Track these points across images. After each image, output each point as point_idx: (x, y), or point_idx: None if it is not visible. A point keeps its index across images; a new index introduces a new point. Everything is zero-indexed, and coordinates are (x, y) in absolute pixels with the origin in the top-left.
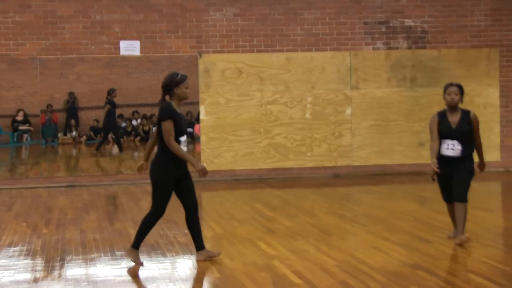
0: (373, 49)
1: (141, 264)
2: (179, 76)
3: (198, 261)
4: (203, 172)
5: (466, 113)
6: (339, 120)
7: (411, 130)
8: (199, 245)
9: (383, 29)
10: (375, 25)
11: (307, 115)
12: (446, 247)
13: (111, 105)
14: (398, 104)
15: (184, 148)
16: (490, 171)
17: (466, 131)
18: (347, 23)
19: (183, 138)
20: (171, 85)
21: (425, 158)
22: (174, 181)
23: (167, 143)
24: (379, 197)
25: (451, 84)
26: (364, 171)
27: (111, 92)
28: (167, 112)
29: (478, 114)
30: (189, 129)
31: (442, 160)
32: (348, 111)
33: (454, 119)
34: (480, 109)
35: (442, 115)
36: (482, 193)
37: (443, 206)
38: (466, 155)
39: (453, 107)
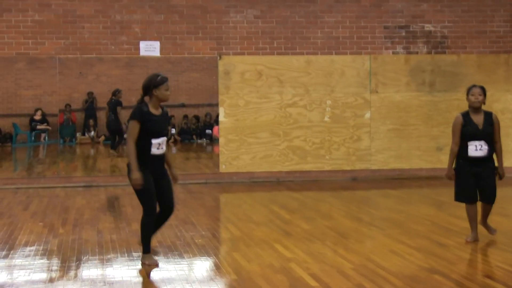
0: (393, 53)
1: (157, 265)
2: (159, 78)
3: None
4: (135, 184)
5: (488, 114)
6: (358, 123)
7: (430, 134)
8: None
9: (403, 34)
10: (395, 29)
11: (326, 118)
12: (462, 252)
13: (120, 106)
14: (417, 109)
15: (161, 150)
16: (507, 176)
17: (491, 131)
18: (367, 27)
19: (157, 140)
20: (150, 86)
21: (443, 162)
22: (151, 179)
23: (126, 142)
24: (397, 201)
25: (474, 86)
26: (382, 175)
27: (116, 93)
28: (134, 113)
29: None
30: (208, 131)
31: (470, 161)
32: (367, 115)
33: (478, 120)
34: (498, 114)
35: (466, 117)
36: (499, 198)
37: (460, 210)
38: (491, 155)
39: (476, 108)
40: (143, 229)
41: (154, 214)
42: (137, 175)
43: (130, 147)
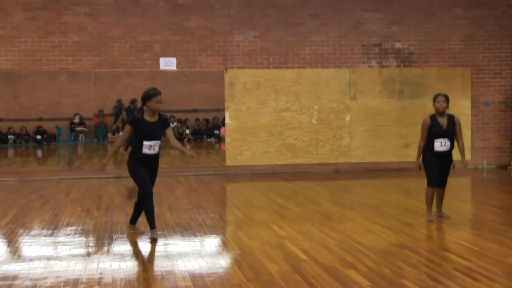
0: (369, 67)
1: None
2: (151, 92)
3: (128, 233)
4: (100, 167)
5: (451, 117)
6: (340, 125)
7: (399, 134)
8: (134, 221)
9: (377, 51)
10: (370, 47)
11: (314, 121)
12: (426, 230)
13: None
14: (388, 113)
15: (152, 151)
16: (463, 168)
17: (453, 131)
18: (347, 45)
19: (148, 142)
20: (144, 98)
21: (410, 157)
22: (146, 171)
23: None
24: (372, 189)
25: (439, 94)
26: (360, 167)
27: (133, 102)
28: (129, 119)
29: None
30: (216, 131)
31: (435, 154)
32: (348, 118)
33: (443, 121)
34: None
35: (433, 118)
36: (456, 187)
37: (423, 195)
38: (451, 150)
39: (441, 112)
40: (145, 209)
41: (150, 196)
42: (102, 163)
43: (116, 142)
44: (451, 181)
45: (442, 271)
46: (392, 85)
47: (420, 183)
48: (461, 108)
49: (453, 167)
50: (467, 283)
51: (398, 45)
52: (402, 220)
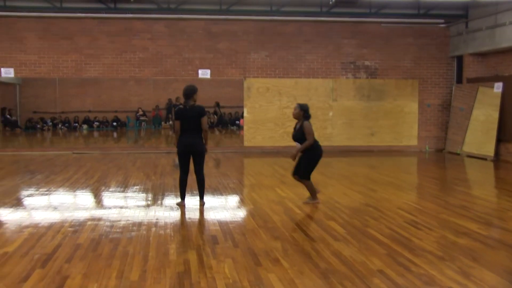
0: (346, 78)
1: (183, 205)
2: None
3: (201, 205)
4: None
5: (302, 123)
6: (325, 118)
7: (366, 125)
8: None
9: (352, 67)
10: (347, 64)
11: None
12: (385, 194)
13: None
14: (359, 110)
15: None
16: (411, 151)
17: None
18: (331, 62)
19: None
20: (195, 92)
21: (374, 142)
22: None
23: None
24: (346, 164)
25: (297, 103)
26: (338, 149)
27: (178, 99)
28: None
29: (405, 119)
30: (237, 122)
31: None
32: (330, 114)
33: (297, 126)
34: (407, 115)
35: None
36: (406, 163)
37: (384, 170)
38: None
39: (297, 118)
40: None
41: (184, 175)
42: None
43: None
44: (403, 159)
45: (395, 223)
46: (362, 91)
47: (380, 161)
48: (411, 108)
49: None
50: (413, 231)
51: (367, 63)
52: (368, 186)
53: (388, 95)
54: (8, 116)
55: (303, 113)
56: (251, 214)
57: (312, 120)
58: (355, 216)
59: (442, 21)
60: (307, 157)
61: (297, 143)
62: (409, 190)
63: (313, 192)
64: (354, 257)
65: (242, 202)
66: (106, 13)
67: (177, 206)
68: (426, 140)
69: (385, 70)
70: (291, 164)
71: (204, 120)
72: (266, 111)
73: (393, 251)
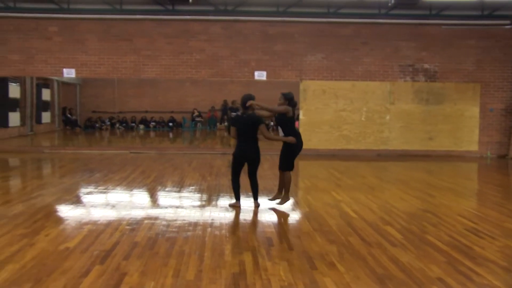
0: (404, 81)
1: (239, 206)
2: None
3: (256, 207)
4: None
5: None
6: (382, 122)
7: (425, 130)
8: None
9: (410, 69)
10: (406, 66)
11: (363, 118)
12: (444, 200)
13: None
14: (417, 114)
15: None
16: (472, 157)
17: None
18: (389, 65)
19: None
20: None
21: (433, 146)
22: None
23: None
24: (403, 169)
25: (281, 93)
26: (395, 153)
27: (234, 102)
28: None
29: (465, 123)
30: None
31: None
32: (388, 117)
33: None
34: (467, 119)
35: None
36: (466, 170)
37: (443, 175)
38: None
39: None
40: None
41: (237, 177)
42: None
43: (269, 135)
44: (463, 165)
45: (455, 230)
46: (421, 94)
47: (439, 166)
48: (472, 112)
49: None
50: (474, 240)
51: (426, 65)
52: (426, 192)
53: (447, 99)
54: (69, 116)
55: (287, 102)
56: (306, 217)
57: (369, 122)
58: (412, 222)
59: (508, 22)
60: (287, 149)
61: (280, 129)
62: (470, 197)
63: (287, 189)
64: (412, 264)
65: (297, 204)
66: (164, 15)
67: (232, 208)
68: (487, 146)
69: (445, 73)
70: (347, 167)
71: (262, 128)
72: (322, 114)
73: (453, 259)
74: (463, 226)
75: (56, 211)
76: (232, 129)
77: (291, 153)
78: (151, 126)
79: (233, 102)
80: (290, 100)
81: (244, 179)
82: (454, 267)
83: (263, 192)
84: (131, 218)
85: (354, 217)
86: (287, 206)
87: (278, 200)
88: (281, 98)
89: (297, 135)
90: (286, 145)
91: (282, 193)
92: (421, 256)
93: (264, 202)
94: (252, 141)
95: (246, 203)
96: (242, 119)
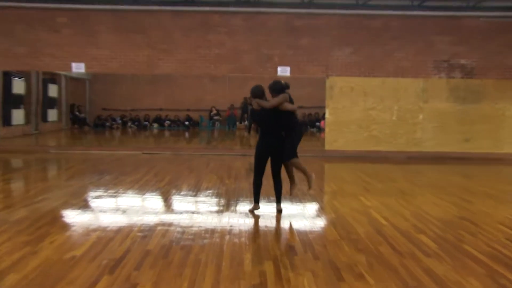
0: (438, 77)
1: (257, 208)
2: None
3: (278, 211)
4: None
5: None
6: (414, 122)
7: (461, 131)
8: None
9: (445, 65)
10: (440, 62)
11: (394, 118)
12: (482, 206)
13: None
14: (453, 114)
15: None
16: None
17: None
18: (422, 60)
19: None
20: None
21: (469, 149)
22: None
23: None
24: (438, 172)
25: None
26: (428, 155)
27: (248, 99)
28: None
29: (506, 124)
30: (317, 123)
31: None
32: (421, 117)
33: None
34: (508, 119)
35: None
36: (507, 173)
37: (482, 180)
38: None
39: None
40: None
41: (258, 175)
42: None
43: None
44: (504, 169)
45: (496, 239)
46: (457, 92)
47: (477, 170)
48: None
49: None
50: None
51: (463, 61)
52: (462, 197)
53: (486, 97)
54: (77, 113)
55: (278, 92)
56: (332, 224)
57: (401, 122)
58: (448, 230)
59: None
60: (291, 136)
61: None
62: (510, 203)
63: (303, 171)
64: (448, 276)
65: (323, 210)
66: (181, 5)
67: (251, 213)
68: None
69: (484, 70)
70: (376, 170)
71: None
72: (350, 112)
73: (493, 271)
74: (504, 235)
75: (62, 216)
76: (253, 124)
77: (291, 143)
78: (165, 125)
79: (248, 98)
80: (280, 89)
81: (264, 184)
82: (494, 280)
83: (285, 197)
84: (143, 224)
85: (384, 224)
86: (311, 212)
87: (306, 187)
88: (270, 91)
89: (298, 125)
90: (286, 136)
91: (294, 181)
92: (458, 267)
93: (288, 207)
94: (276, 131)
95: (268, 208)
96: (258, 112)
